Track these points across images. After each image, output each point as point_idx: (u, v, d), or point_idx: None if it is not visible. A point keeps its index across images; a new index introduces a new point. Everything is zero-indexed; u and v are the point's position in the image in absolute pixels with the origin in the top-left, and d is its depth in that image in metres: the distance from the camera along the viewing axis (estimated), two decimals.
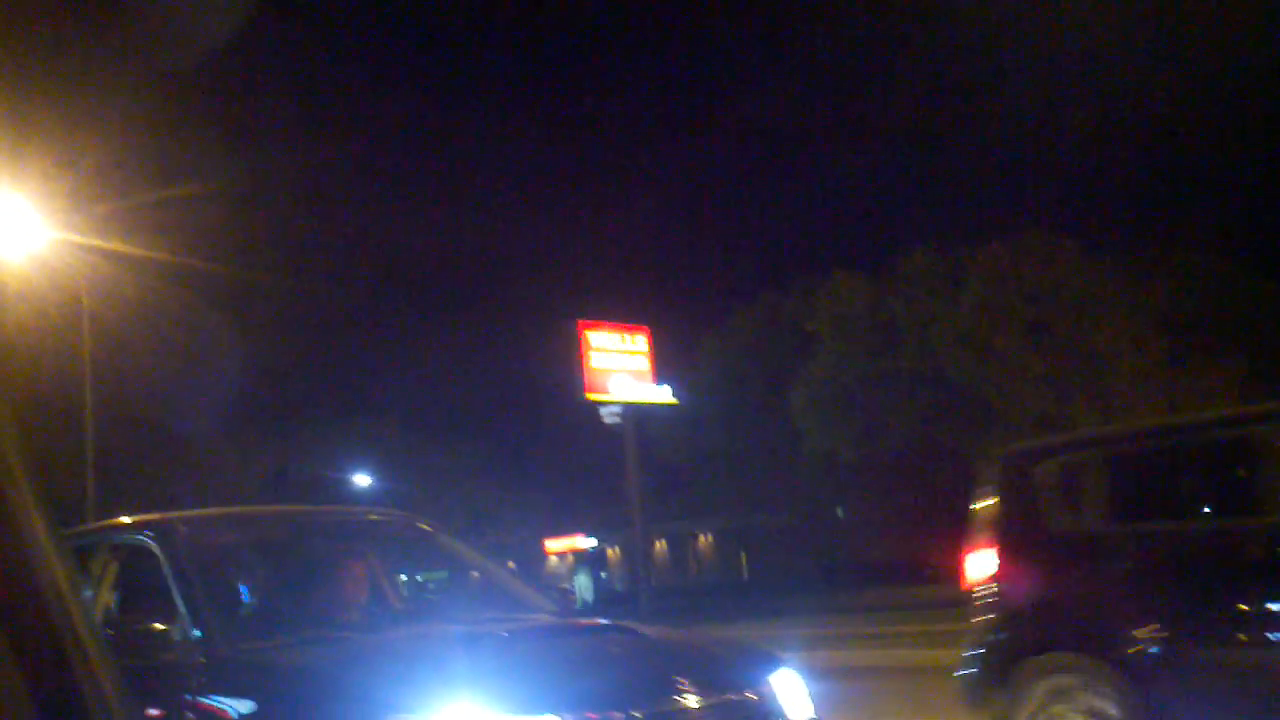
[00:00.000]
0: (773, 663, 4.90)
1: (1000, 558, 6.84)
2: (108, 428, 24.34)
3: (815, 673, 14.26)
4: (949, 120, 49.12)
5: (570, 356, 32.70)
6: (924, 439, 37.74)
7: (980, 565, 7.03)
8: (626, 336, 33.66)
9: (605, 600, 53.98)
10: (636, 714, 4.16)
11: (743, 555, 54.38)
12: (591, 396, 32.38)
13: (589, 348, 32.53)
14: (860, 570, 45.99)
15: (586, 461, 50.19)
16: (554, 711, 4.03)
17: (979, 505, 7.20)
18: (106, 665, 0.71)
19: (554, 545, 61.54)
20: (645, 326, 34.47)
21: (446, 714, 3.93)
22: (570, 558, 62.76)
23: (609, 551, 59.68)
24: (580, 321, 33.04)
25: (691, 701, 4.35)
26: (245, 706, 4.34)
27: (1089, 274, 34.34)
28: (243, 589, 5.68)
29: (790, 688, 4.78)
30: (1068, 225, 36.39)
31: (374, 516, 6.40)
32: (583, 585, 61.74)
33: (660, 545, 57.86)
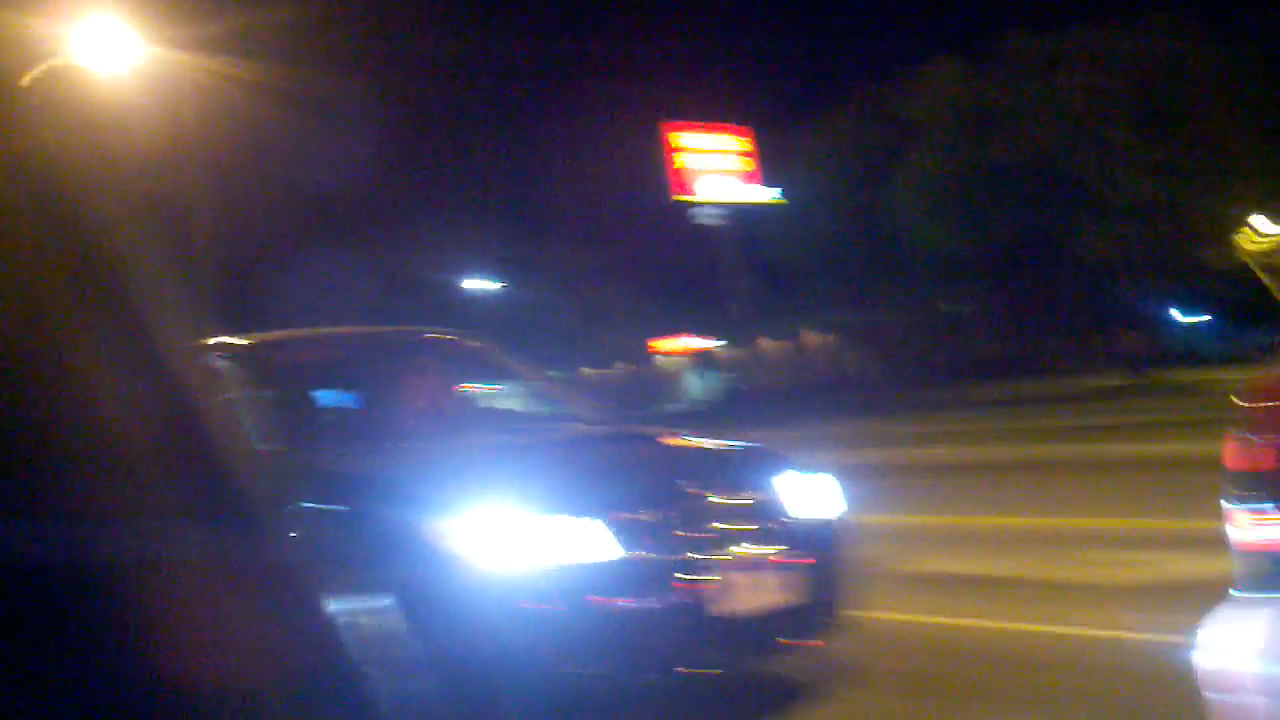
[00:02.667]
0: (778, 465, 5.18)
1: None
2: (216, 243, 25.14)
3: (894, 470, 14.65)
4: None
5: (662, 157, 32.56)
6: (1028, 231, 36.88)
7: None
8: (721, 136, 33.35)
9: (714, 399, 54.98)
10: (648, 513, 4.52)
11: (851, 353, 54.58)
12: (681, 198, 32.34)
13: (677, 149, 32.28)
14: (969, 366, 45.94)
15: (696, 263, 50.37)
16: (574, 511, 4.40)
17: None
18: (253, 459, 0.71)
19: (662, 345, 62.46)
20: (747, 128, 34.07)
21: (480, 513, 4.34)
22: (679, 358, 63.73)
23: (718, 352, 60.31)
24: (664, 124, 32.73)
25: (699, 502, 4.69)
26: (314, 508, 4.83)
27: (1215, 59, 32.57)
28: (315, 403, 6.15)
29: (796, 487, 5.08)
30: (1195, 3, 34.30)
31: (433, 335, 6.77)
32: (691, 385, 62.91)
33: (767, 344, 58.28)
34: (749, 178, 33.83)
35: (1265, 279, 31.62)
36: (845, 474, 5.54)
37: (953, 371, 44.53)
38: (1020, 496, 11.35)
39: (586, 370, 64.44)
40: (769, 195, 34.49)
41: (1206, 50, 32.58)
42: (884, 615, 6.17)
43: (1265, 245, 30.70)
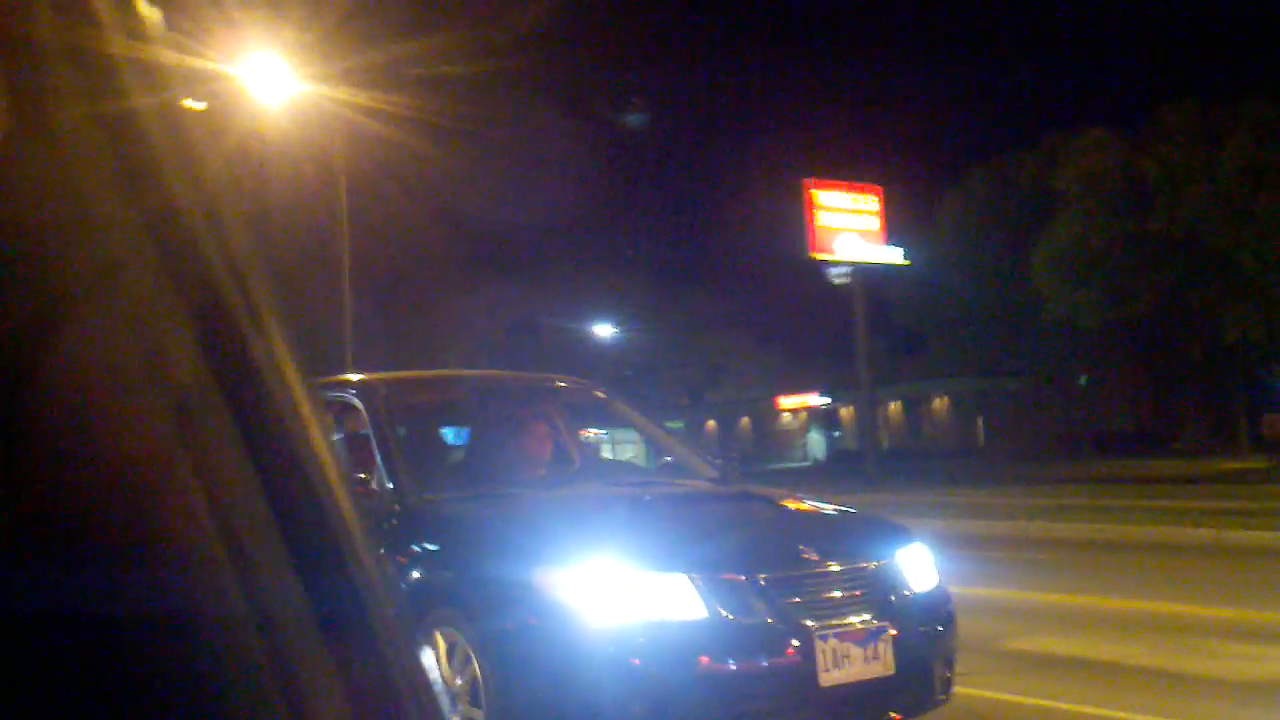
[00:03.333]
0: (901, 537, 5.18)
1: None
2: (361, 280, 25.82)
3: (1011, 543, 14.34)
4: None
5: (799, 216, 32.66)
6: (1173, 306, 35.99)
7: None
8: (857, 196, 33.33)
9: (835, 459, 54.42)
10: (762, 576, 4.55)
11: (979, 420, 53.60)
12: (818, 256, 32.38)
13: (816, 206, 32.40)
14: (1101, 440, 44.71)
15: (823, 320, 50.16)
16: (685, 570, 4.44)
17: None
18: (355, 511, 0.69)
19: (787, 402, 62.13)
20: (877, 186, 33.96)
21: (588, 567, 4.42)
22: (803, 415, 63.30)
23: (842, 411, 59.80)
24: (807, 180, 32.85)
25: (818, 569, 4.71)
26: (421, 551, 4.98)
27: None
28: (436, 445, 6.34)
29: (917, 562, 5.07)
30: None
31: (561, 384, 6.90)
32: (814, 443, 62.35)
33: (895, 407, 57.58)
34: (877, 237, 33.73)
35: None
36: (957, 544, 5.50)
37: (1086, 445, 43.40)
38: (1143, 579, 11.02)
39: (711, 422, 64.43)
40: (895, 256, 34.35)
41: None
42: (994, 694, 6.08)
43: None
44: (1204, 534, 13.76)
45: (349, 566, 0.68)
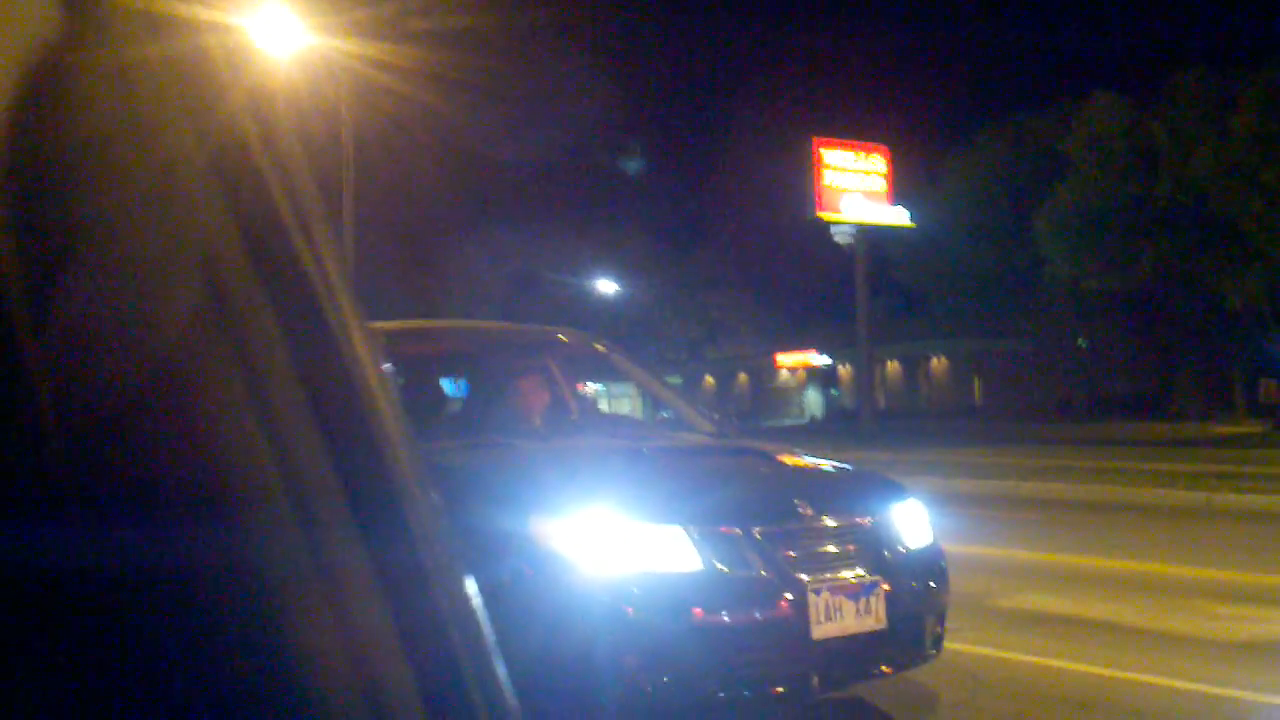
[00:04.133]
0: (896, 493, 5.21)
1: None
2: (366, 232, 25.78)
3: (1004, 502, 14.43)
4: None
5: (804, 174, 32.51)
6: (1175, 271, 35.97)
7: None
8: (863, 155, 33.16)
9: (833, 417, 54.55)
10: (757, 529, 4.58)
11: (976, 381, 53.66)
12: (823, 215, 32.28)
13: (823, 165, 32.25)
14: (1098, 403, 44.80)
15: (823, 278, 50.14)
16: (681, 522, 4.47)
17: None
18: (410, 448, 0.69)
19: (785, 359, 62.17)
20: (884, 146, 33.80)
21: (583, 517, 4.45)
22: (801, 373, 63.36)
23: (840, 369, 59.86)
24: (815, 139, 32.67)
25: (813, 523, 4.74)
26: None
27: None
28: (436, 395, 6.35)
29: (911, 518, 5.10)
30: None
31: (561, 336, 6.90)
32: (811, 401, 62.45)
33: (893, 366, 57.62)
34: (883, 198, 33.64)
35: None
36: (954, 503, 5.54)
37: (1083, 407, 43.54)
38: (1135, 540, 11.09)
39: (709, 379, 64.51)
40: (900, 217, 34.24)
41: None
42: (984, 650, 6.13)
43: None
44: (1196, 497, 13.83)
45: (405, 513, 0.69)
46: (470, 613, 0.73)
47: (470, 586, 0.75)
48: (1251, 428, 32.83)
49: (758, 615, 4.47)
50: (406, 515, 0.69)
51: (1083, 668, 5.89)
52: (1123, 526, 12.21)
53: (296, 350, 0.65)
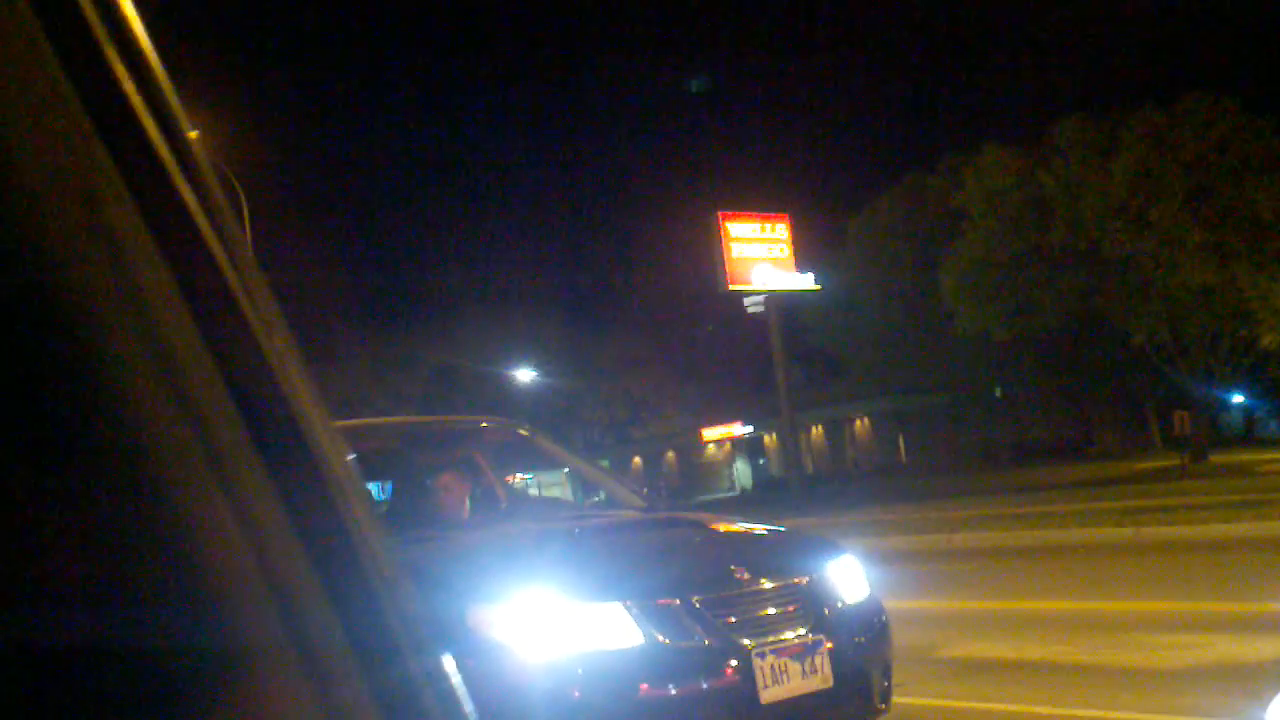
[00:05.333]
0: (830, 550, 5.22)
1: None
2: None
3: (939, 555, 14.49)
4: None
5: (713, 248, 32.96)
6: (1079, 315, 36.90)
7: None
8: (766, 225, 33.76)
9: (762, 486, 54.72)
10: (696, 598, 4.55)
11: (899, 438, 54.28)
12: (734, 287, 32.70)
13: (729, 238, 32.76)
14: (1020, 449, 45.52)
15: (742, 349, 50.56)
16: (619, 598, 4.43)
17: None
18: (379, 529, 0.69)
19: (711, 434, 62.38)
20: (783, 214, 34.42)
21: (521, 600, 4.39)
22: (728, 446, 63.58)
23: (766, 439, 60.18)
24: (721, 213, 33.17)
25: (750, 587, 4.72)
26: None
27: (1250, 136, 32.78)
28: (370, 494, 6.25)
29: (848, 574, 5.12)
30: (1227, 86, 34.58)
31: (483, 424, 6.85)
32: (740, 472, 62.64)
33: (817, 431, 58.09)
34: (788, 264, 34.25)
35: None
36: (891, 559, 5.59)
37: (1005, 455, 44.21)
38: (1068, 580, 11.22)
39: (637, 459, 64.43)
40: (806, 283, 34.89)
41: (1254, 131, 32.80)
42: (931, 701, 6.14)
43: None
44: (1124, 533, 14.07)
45: (373, 587, 0.67)
46: (450, 690, 0.74)
47: (449, 664, 0.75)
48: (1169, 460, 33.57)
49: (704, 685, 4.42)
50: (379, 593, 0.68)
51: (1030, 709, 5.92)
52: (1056, 568, 12.36)
53: (258, 436, 0.63)
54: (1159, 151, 33.26)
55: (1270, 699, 2.66)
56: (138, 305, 0.59)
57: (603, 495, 6.40)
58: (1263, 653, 6.55)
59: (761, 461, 61.30)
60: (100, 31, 0.61)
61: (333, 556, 0.65)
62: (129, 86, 0.61)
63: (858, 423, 56.84)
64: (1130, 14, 43.94)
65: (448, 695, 0.73)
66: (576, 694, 4.26)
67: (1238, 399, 42.90)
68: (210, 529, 0.58)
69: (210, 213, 0.65)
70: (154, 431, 0.57)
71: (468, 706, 0.74)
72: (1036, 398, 45.63)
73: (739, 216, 33.61)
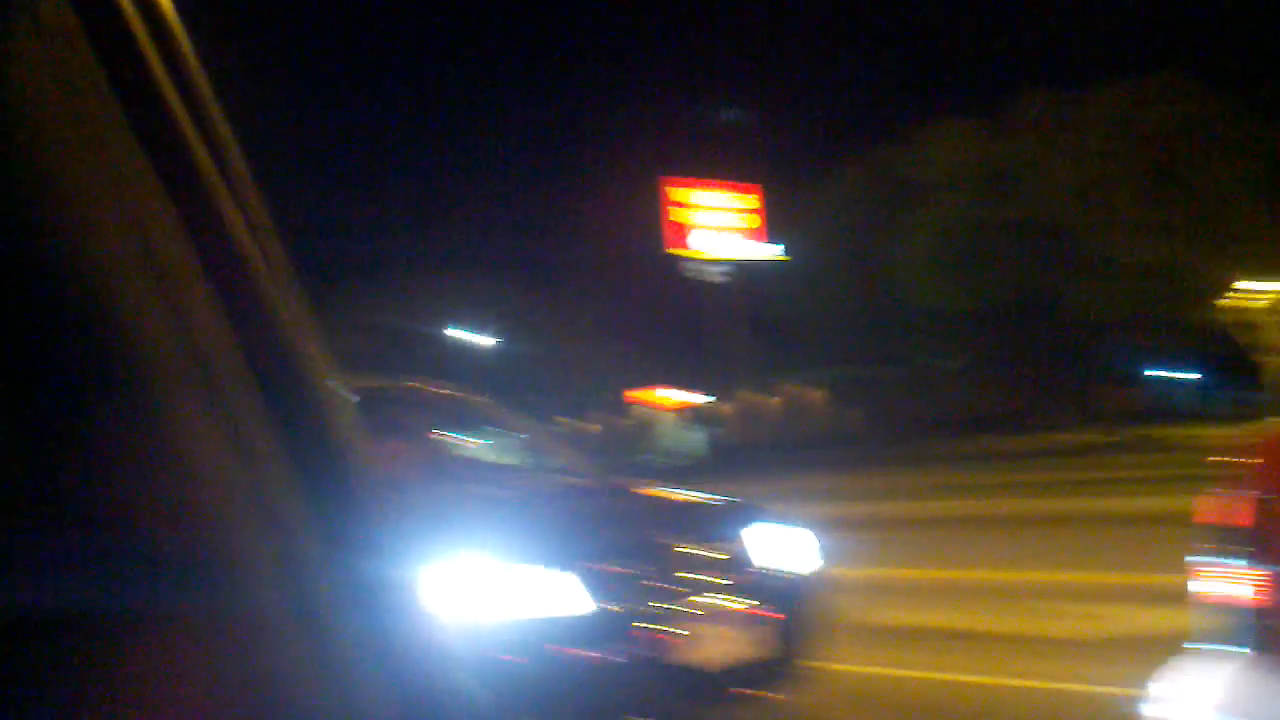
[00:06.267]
0: (750, 517, 5.34)
1: None
2: None
3: (874, 523, 14.82)
4: None
5: (660, 213, 32.89)
6: (1028, 288, 37.24)
7: None
8: (726, 194, 33.84)
9: (717, 454, 54.90)
10: (628, 565, 4.66)
11: (855, 408, 54.64)
12: (697, 254, 32.70)
13: (678, 204, 32.66)
14: (972, 420, 45.98)
15: (705, 318, 50.48)
16: (547, 563, 4.54)
17: None
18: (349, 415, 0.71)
19: (670, 400, 62.45)
20: (756, 185, 34.41)
21: (458, 563, 4.48)
22: (686, 413, 63.71)
23: (725, 407, 60.34)
24: (666, 179, 32.95)
25: (668, 554, 4.86)
26: None
27: (1214, 115, 33.05)
28: None
29: (784, 540, 5.28)
30: (1194, 64, 34.73)
31: (412, 385, 6.81)
32: (696, 440, 62.81)
33: (775, 400, 58.36)
34: (754, 234, 34.33)
35: (1244, 338, 32.11)
36: (828, 527, 5.74)
37: (943, 427, 44.59)
38: (993, 550, 11.57)
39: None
40: (773, 252, 34.97)
41: (1210, 113, 33.09)
42: (849, 668, 6.35)
43: (1245, 304, 31.21)
44: (1047, 505, 14.56)
45: (359, 500, 0.73)
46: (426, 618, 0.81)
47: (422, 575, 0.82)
48: (1096, 436, 34.04)
49: (634, 650, 4.52)
50: (365, 503, 0.75)
51: (947, 676, 6.19)
52: (984, 539, 12.73)
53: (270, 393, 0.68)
54: (1120, 128, 33.52)
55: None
56: (143, 241, 0.62)
57: (531, 459, 6.50)
58: (1169, 623, 6.82)
59: (719, 429, 61.48)
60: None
61: (321, 475, 0.70)
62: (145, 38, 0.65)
63: (816, 393, 57.14)
64: None
65: (413, 606, 0.80)
66: (506, 658, 4.32)
67: (1172, 375, 43.79)
68: (207, 448, 0.61)
69: (209, 138, 0.69)
70: (158, 362, 0.60)
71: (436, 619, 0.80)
72: (980, 371, 46.08)
73: (691, 183, 33.59)
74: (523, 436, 6.97)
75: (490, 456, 7.11)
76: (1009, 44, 50.67)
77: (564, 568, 4.54)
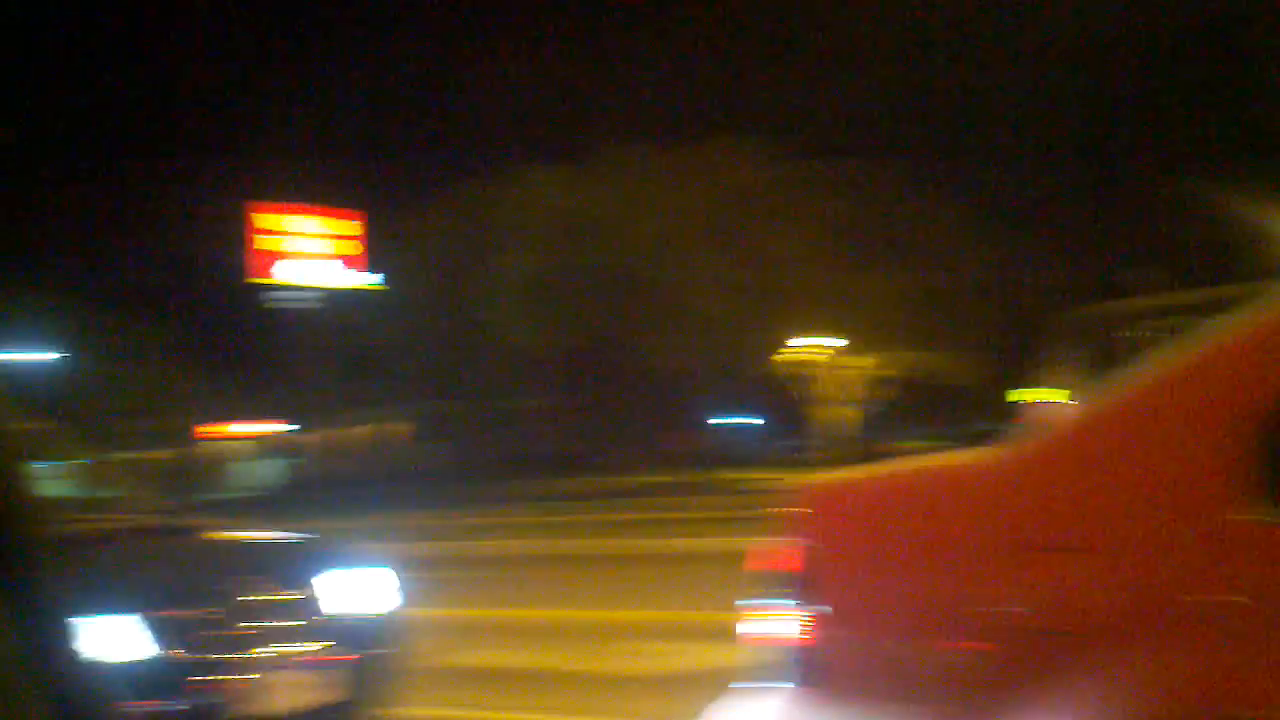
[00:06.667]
0: (323, 560, 5.23)
1: None
2: None
3: (452, 562, 14.91)
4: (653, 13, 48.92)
5: (244, 242, 31.66)
6: (606, 334, 38.87)
7: None
8: (318, 220, 33.06)
9: (296, 486, 53.20)
10: (191, 612, 4.45)
11: (438, 442, 54.67)
12: (259, 280, 31.47)
13: (265, 230, 31.59)
14: (550, 459, 47.19)
15: (287, 348, 48.93)
16: (105, 612, 4.26)
17: None
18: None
19: (247, 430, 59.88)
20: (355, 212, 33.71)
21: None
22: (262, 442, 61.31)
23: (305, 438, 58.56)
24: (252, 204, 31.83)
25: (234, 601, 4.67)
26: None
27: (784, 182, 35.92)
28: None
29: (360, 583, 5.18)
30: (771, 132, 37.31)
31: None
32: (272, 471, 60.57)
33: (359, 430, 57.35)
34: (354, 262, 33.64)
35: (798, 390, 35.47)
36: (408, 566, 5.69)
37: (521, 466, 45.56)
38: (574, 589, 11.98)
39: (163, 455, 60.42)
40: (370, 281, 34.41)
41: (781, 180, 35.97)
42: (424, 711, 6.31)
43: (802, 358, 34.47)
44: (614, 544, 15.32)
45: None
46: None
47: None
48: (662, 477, 36.04)
49: (198, 701, 4.36)
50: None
51: (513, 716, 6.30)
52: (560, 577, 13.18)
53: None
54: (690, 185, 35.76)
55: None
56: None
57: (101, 493, 6.08)
58: (725, 660, 7.31)
59: (299, 460, 59.59)
60: None
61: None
62: None
63: (399, 425, 56.68)
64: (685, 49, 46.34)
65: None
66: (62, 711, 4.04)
67: (734, 421, 47.36)
68: None
69: None
70: None
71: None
72: (559, 412, 47.57)
73: (281, 209, 32.58)
74: (81, 464, 6.49)
75: (55, 488, 6.54)
76: (602, 94, 52.87)
77: (120, 613, 4.28)
